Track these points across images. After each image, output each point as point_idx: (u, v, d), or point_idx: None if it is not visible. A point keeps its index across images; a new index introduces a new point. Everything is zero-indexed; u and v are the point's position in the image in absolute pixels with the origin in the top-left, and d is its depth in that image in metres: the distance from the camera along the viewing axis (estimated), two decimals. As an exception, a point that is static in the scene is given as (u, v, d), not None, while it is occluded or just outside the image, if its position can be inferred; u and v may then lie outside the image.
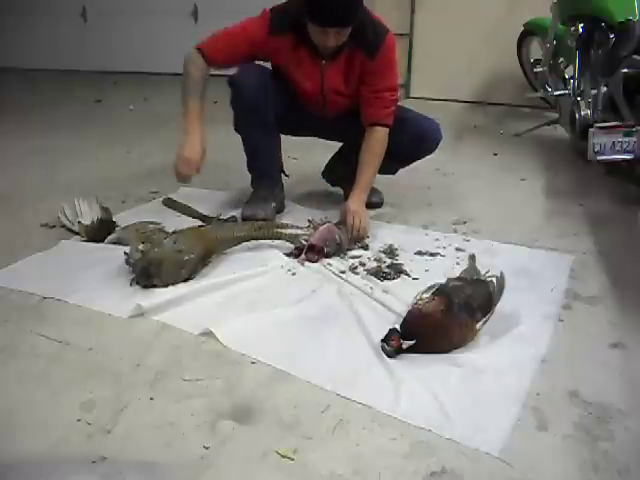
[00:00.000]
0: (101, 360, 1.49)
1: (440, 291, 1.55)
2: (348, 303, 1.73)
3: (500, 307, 1.59)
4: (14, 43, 6.21)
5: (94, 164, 3.11)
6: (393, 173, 2.45)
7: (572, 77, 3.06)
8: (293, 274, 1.92)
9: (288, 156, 2.56)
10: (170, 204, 2.41)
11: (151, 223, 2.12)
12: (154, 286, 1.78)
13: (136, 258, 1.80)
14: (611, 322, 1.65)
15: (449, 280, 1.62)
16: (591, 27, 2.82)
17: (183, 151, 2.09)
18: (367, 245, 2.10)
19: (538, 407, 1.32)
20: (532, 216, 2.41)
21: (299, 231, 2.09)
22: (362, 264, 1.97)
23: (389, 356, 1.46)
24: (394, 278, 1.88)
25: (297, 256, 2.00)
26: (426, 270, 1.93)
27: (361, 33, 2.08)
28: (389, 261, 1.98)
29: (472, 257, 1.79)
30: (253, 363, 1.48)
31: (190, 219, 2.26)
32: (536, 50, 3.89)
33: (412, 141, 2.26)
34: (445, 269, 1.89)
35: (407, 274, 1.91)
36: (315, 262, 1.97)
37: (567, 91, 3.10)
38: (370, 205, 2.39)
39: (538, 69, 3.56)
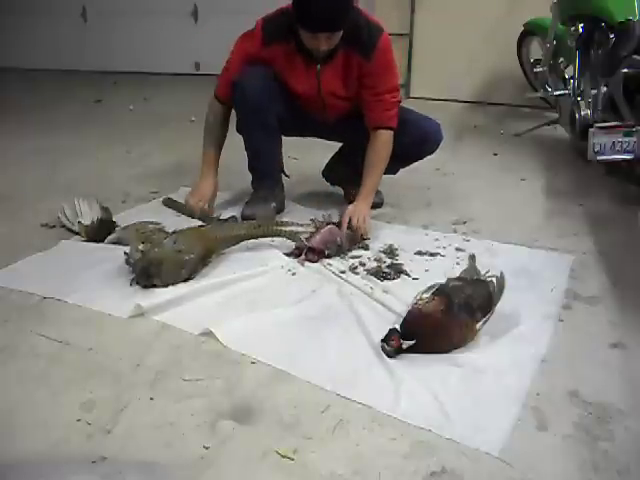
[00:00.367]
0: (101, 360, 1.49)
1: (440, 291, 1.55)
2: (348, 303, 1.73)
3: (500, 307, 1.59)
4: (14, 43, 6.22)
5: (94, 164, 3.11)
6: (394, 173, 2.45)
7: (572, 77, 3.06)
8: (293, 274, 1.92)
9: (288, 156, 2.56)
10: (170, 204, 2.41)
11: (151, 223, 2.12)
12: (154, 286, 1.78)
13: (136, 258, 1.80)
14: (611, 322, 1.65)
15: (449, 280, 1.62)
16: (591, 27, 2.82)
17: (196, 188, 2.33)
18: (367, 245, 2.10)
19: (538, 407, 1.32)
20: (532, 216, 2.41)
21: (300, 228, 2.09)
22: (362, 264, 1.97)
23: (389, 356, 1.46)
24: (394, 278, 1.88)
25: (297, 256, 2.00)
26: (426, 270, 1.93)
27: (355, 34, 2.07)
28: (389, 261, 1.98)
29: (472, 257, 1.79)
30: (253, 363, 1.48)
31: (190, 219, 2.26)
32: (536, 50, 3.89)
33: (413, 142, 2.26)
34: (445, 269, 1.89)
35: (407, 274, 1.91)
36: (315, 262, 1.97)
37: (567, 91, 3.10)
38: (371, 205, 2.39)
39: (538, 69, 3.56)
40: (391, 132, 2.19)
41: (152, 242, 1.84)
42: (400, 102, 2.24)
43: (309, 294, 1.79)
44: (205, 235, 1.95)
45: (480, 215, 2.39)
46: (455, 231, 2.25)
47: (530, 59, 4.02)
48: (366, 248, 2.09)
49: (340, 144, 2.52)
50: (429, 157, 2.40)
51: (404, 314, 1.56)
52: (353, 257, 2.02)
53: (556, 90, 3.27)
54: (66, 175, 2.91)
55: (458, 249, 2.07)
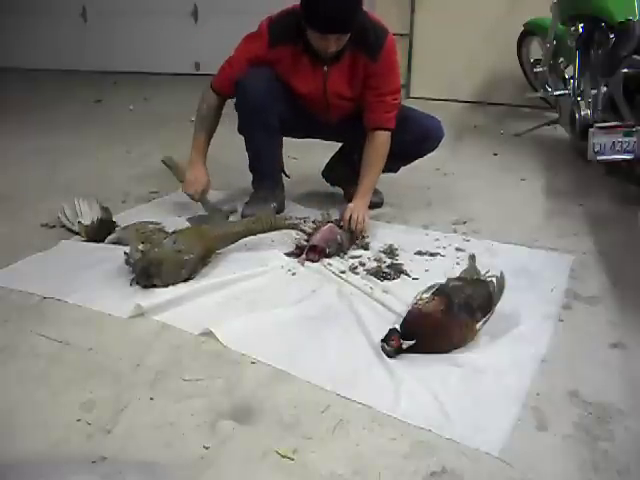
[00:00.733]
0: (101, 360, 1.49)
1: (440, 291, 1.55)
2: (348, 303, 1.73)
3: (500, 307, 1.59)
4: (15, 43, 6.22)
5: (94, 164, 3.11)
6: (395, 171, 2.45)
7: (572, 77, 3.06)
8: (293, 274, 1.92)
9: (288, 156, 2.56)
10: (169, 163, 2.40)
11: (151, 223, 2.12)
12: (154, 286, 1.78)
13: (136, 258, 1.80)
14: (611, 322, 1.65)
15: (449, 280, 1.62)
16: (591, 27, 2.82)
17: (189, 178, 2.31)
18: (367, 245, 2.10)
19: (538, 407, 1.32)
20: (532, 216, 2.41)
21: (298, 223, 2.11)
22: (362, 264, 1.97)
23: (389, 356, 1.46)
24: (394, 278, 1.88)
25: (298, 255, 2.00)
26: (426, 270, 1.93)
27: (362, 36, 2.08)
28: (389, 261, 1.98)
29: (472, 257, 1.79)
30: (253, 363, 1.48)
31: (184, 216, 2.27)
32: (536, 50, 3.89)
33: (414, 140, 2.26)
34: (445, 269, 1.89)
35: (407, 274, 1.91)
36: (316, 262, 1.97)
37: (567, 91, 3.10)
38: (370, 205, 2.38)
39: (538, 69, 3.56)
40: (389, 133, 2.19)
41: (152, 242, 1.84)
42: (400, 104, 2.24)
43: (309, 294, 1.79)
44: (204, 234, 1.95)
45: (480, 215, 2.39)
46: (455, 231, 2.25)
47: (530, 59, 4.02)
48: (366, 248, 2.09)
49: (340, 144, 2.52)
50: (429, 156, 2.40)
51: (404, 314, 1.56)
52: (353, 257, 2.02)
53: (556, 90, 3.27)
54: (66, 175, 2.91)
55: (458, 249, 2.07)
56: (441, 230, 2.25)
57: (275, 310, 1.70)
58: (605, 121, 2.58)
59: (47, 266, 1.96)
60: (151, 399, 1.35)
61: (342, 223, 2.11)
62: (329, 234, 2.02)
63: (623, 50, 2.46)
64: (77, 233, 2.17)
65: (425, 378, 1.40)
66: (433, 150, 2.37)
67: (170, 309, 1.70)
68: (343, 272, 1.92)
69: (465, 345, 1.51)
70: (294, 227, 2.08)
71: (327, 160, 2.57)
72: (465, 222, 2.33)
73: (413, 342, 1.46)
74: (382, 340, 1.48)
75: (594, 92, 2.74)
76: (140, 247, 1.82)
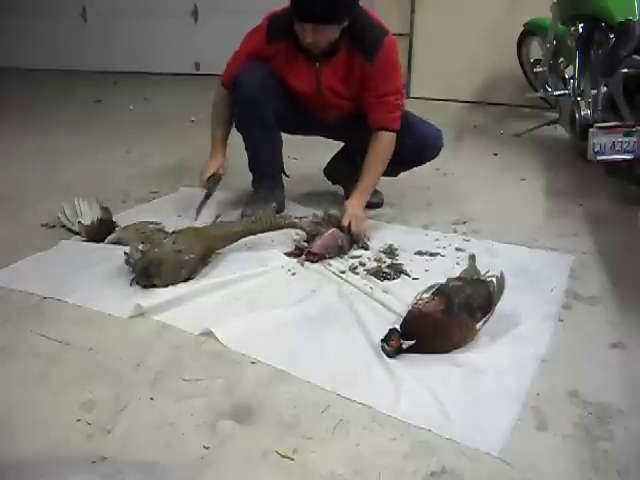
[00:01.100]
0: (101, 360, 1.49)
1: (440, 291, 1.55)
2: (348, 303, 1.73)
3: (500, 307, 1.59)
4: (15, 43, 6.22)
5: (94, 164, 3.11)
6: (395, 175, 2.45)
7: (572, 77, 3.06)
8: (293, 274, 1.92)
9: (288, 156, 2.56)
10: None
11: (151, 223, 2.12)
12: (154, 286, 1.78)
13: (136, 258, 1.80)
14: (611, 322, 1.65)
15: (449, 280, 1.62)
16: (591, 27, 2.82)
17: (205, 166, 2.33)
18: (367, 245, 2.10)
19: (538, 407, 1.32)
20: (532, 216, 2.41)
21: (297, 221, 2.10)
22: (362, 264, 1.97)
23: (389, 356, 1.46)
24: (394, 278, 1.88)
25: (298, 256, 2.00)
26: (426, 270, 1.93)
27: (359, 35, 2.07)
28: (389, 261, 1.98)
29: (472, 257, 1.79)
30: (253, 363, 1.48)
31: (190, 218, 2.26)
32: (536, 50, 3.89)
33: (414, 148, 2.25)
34: (445, 269, 1.89)
35: (407, 274, 1.91)
36: (315, 262, 1.97)
37: (567, 91, 3.10)
38: (370, 205, 2.39)
39: (538, 69, 3.56)
40: (393, 134, 2.18)
41: (152, 242, 1.84)
42: (403, 105, 2.22)
43: (309, 294, 1.79)
44: (204, 234, 1.95)
45: (480, 215, 2.39)
46: (455, 231, 2.25)
47: (530, 59, 4.02)
48: (366, 248, 2.09)
49: (342, 143, 2.52)
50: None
51: (404, 314, 1.56)
52: (353, 257, 2.02)
53: (556, 90, 3.27)
54: (66, 175, 2.91)
55: (458, 249, 2.07)
56: (441, 230, 2.25)
57: (275, 310, 1.70)
58: (605, 121, 2.58)
59: (47, 266, 1.96)
60: (151, 399, 1.35)
61: (344, 229, 2.10)
62: (330, 240, 2.01)
63: (623, 50, 2.46)
64: (77, 233, 2.17)
65: (425, 378, 1.40)
66: (432, 159, 2.37)
67: (170, 309, 1.70)
68: (343, 272, 1.92)
69: (465, 345, 1.51)
70: (294, 226, 2.08)
71: (327, 160, 2.57)
72: (465, 222, 2.33)
73: (413, 342, 1.46)
74: (382, 340, 1.48)
75: (594, 92, 2.74)
76: (140, 247, 1.82)
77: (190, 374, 1.43)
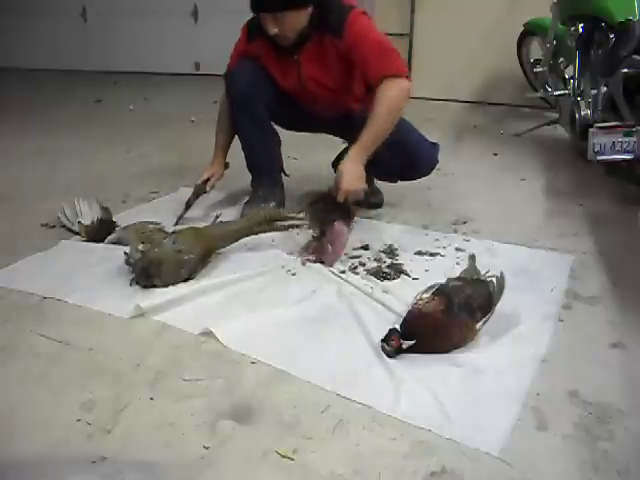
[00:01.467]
0: (101, 360, 1.49)
1: (440, 291, 1.55)
2: (348, 303, 1.73)
3: (500, 307, 1.59)
4: (15, 43, 6.23)
5: (94, 164, 3.11)
6: (394, 182, 2.44)
7: (572, 77, 3.06)
8: (293, 274, 1.92)
9: (288, 156, 2.56)
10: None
11: (151, 223, 2.12)
12: (154, 286, 1.78)
13: (136, 258, 1.80)
14: (611, 322, 1.65)
15: (449, 280, 1.62)
16: (591, 27, 2.82)
17: (202, 171, 2.36)
18: (367, 245, 2.10)
19: (538, 407, 1.32)
20: (532, 216, 2.41)
21: (296, 222, 2.09)
22: (362, 264, 1.97)
23: (389, 356, 1.46)
24: (394, 278, 1.88)
25: (318, 262, 1.96)
26: (426, 270, 1.93)
27: (324, 17, 2.03)
28: (389, 261, 1.98)
29: (472, 257, 1.79)
30: (253, 363, 1.48)
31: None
32: (536, 50, 3.89)
33: (406, 167, 2.24)
34: (445, 269, 1.89)
35: (407, 274, 1.91)
36: (317, 262, 1.97)
37: (567, 91, 3.10)
38: (370, 205, 2.39)
39: (538, 69, 3.56)
40: (401, 79, 1.95)
41: (152, 242, 1.84)
42: (397, 52, 2.03)
43: (309, 294, 1.79)
44: (204, 234, 1.95)
45: (480, 215, 2.39)
46: (455, 231, 2.25)
47: (530, 59, 4.02)
48: (366, 248, 2.09)
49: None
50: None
51: (404, 314, 1.56)
52: (353, 257, 2.02)
53: (556, 90, 3.27)
54: (66, 175, 2.91)
55: (458, 249, 2.07)
56: (441, 230, 2.25)
57: (275, 310, 1.70)
58: (605, 121, 2.58)
59: (47, 266, 1.96)
60: (151, 399, 1.35)
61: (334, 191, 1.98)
62: (340, 239, 1.97)
63: (623, 50, 2.46)
64: (77, 233, 2.18)
65: (425, 378, 1.40)
66: (425, 175, 2.32)
67: (170, 309, 1.70)
68: (343, 272, 1.92)
69: (465, 345, 1.51)
70: (292, 218, 2.04)
71: (327, 160, 2.57)
72: (465, 222, 2.33)
73: (413, 342, 1.46)
74: (382, 340, 1.48)
75: (594, 92, 2.74)
76: (140, 247, 1.82)
77: (190, 374, 1.43)
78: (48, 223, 2.29)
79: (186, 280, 1.83)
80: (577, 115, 2.78)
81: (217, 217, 2.20)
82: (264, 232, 2.06)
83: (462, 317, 1.49)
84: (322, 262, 1.96)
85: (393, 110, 1.98)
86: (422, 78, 4.72)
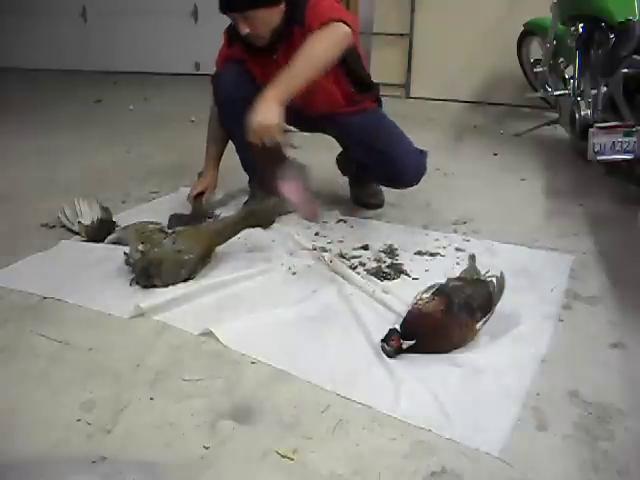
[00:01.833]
0: (101, 360, 1.49)
1: (440, 291, 1.55)
2: (348, 303, 1.73)
3: (500, 307, 1.59)
4: (15, 43, 6.23)
5: (94, 164, 3.11)
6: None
7: (572, 77, 3.06)
8: (293, 274, 1.92)
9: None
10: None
11: (151, 223, 2.11)
12: (154, 286, 1.79)
13: (136, 258, 1.80)
14: (611, 322, 1.65)
15: (449, 280, 1.62)
16: (591, 27, 2.82)
17: (194, 185, 2.38)
18: (367, 245, 2.10)
19: (538, 407, 1.32)
20: (532, 216, 2.41)
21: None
22: (362, 264, 1.97)
23: (389, 356, 1.46)
24: (394, 278, 1.88)
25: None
26: (426, 270, 1.93)
27: (292, 12, 2.00)
28: (389, 261, 1.98)
29: (472, 257, 1.79)
30: (253, 363, 1.48)
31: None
32: (536, 50, 3.89)
33: (392, 177, 2.22)
34: (445, 269, 1.89)
35: (407, 274, 1.91)
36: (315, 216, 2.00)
37: (567, 91, 3.10)
38: (370, 205, 2.39)
39: (538, 69, 3.56)
40: (336, 23, 1.84)
41: (152, 242, 1.84)
42: (351, 17, 1.93)
43: (309, 294, 1.79)
44: (204, 233, 1.95)
45: (480, 215, 2.39)
46: (455, 231, 2.25)
47: (530, 59, 4.02)
48: (366, 248, 2.09)
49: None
50: (430, 157, 2.39)
51: (404, 314, 1.56)
52: (353, 257, 2.02)
53: (556, 90, 3.27)
54: (66, 175, 2.91)
55: (458, 249, 2.07)
56: (441, 230, 2.25)
57: (275, 310, 1.70)
58: (605, 121, 2.58)
59: (47, 266, 1.96)
60: (151, 399, 1.35)
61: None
62: (302, 200, 1.93)
63: (623, 50, 2.45)
64: (77, 233, 2.18)
65: (425, 378, 1.40)
66: (412, 186, 2.28)
67: (170, 309, 1.70)
68: (354, 268, 1.92)
69: (465, 345, 1.51)
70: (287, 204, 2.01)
71: (327, 160, 2.57)
72: (465, 222, 2.33)
73: (413, 342, 1.46)
74: (382, 340, 1.48)
75: (594, 92, 2.74)
76: (140, 247, 1.82)
77: (190, 374, 1.43)
78: (48, 223, 2.29)
79: (186, 280, 1.83)
80: (577, 115, 2.79)
81: (217, 217, 2.21)
82: (259, 221, 2.04)
83: (462, 317, 1.49)
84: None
85: (319, 52, 1.85)
86: (422, 78, 4.74)
